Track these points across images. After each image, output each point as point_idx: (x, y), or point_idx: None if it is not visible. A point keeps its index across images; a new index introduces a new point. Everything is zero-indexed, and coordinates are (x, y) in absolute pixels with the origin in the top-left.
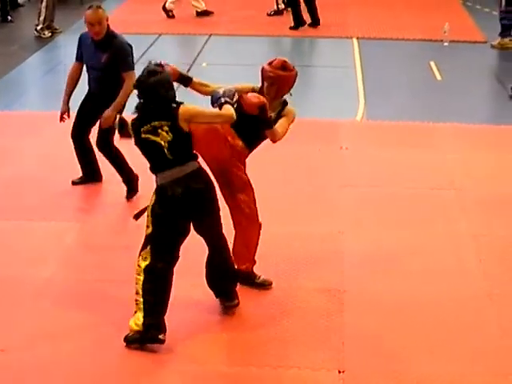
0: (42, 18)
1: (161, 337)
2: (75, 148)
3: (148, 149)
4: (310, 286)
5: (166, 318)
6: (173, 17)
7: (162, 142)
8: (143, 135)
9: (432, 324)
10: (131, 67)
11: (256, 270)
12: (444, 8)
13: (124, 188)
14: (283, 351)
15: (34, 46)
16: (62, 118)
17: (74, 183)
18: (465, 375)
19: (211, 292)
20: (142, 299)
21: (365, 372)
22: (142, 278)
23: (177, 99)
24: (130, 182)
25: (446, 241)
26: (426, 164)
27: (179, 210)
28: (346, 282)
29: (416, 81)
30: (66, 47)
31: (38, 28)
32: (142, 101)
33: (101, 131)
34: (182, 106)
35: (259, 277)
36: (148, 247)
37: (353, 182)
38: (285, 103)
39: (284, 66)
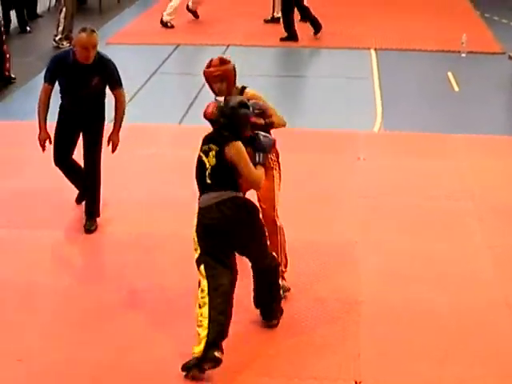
0: (60, 29)
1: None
2: (65, 172)
3: (198, 167)
4: (326, 295)
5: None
6: (172, 27)
7: (207, 165)
8: (200, 152)
9: (448, 333)
10: (121, 83)
11: None
12: (462, 19)
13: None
14: (299, 361)
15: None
16: (44, 146)
17: (78, 202)
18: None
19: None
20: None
21: (381, 382)
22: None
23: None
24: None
25: (462, 250)
26: (443, 174)
27: (216, 237)
28: (361, 291)
29: (434, 92)
30: None
31: (57, 38)
32: (218, 123)
33: (91, 151)
34: (234, 142)
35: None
36: (201, 267)
37: (370, 192)
38: (242, 88)
39: (222, 61)
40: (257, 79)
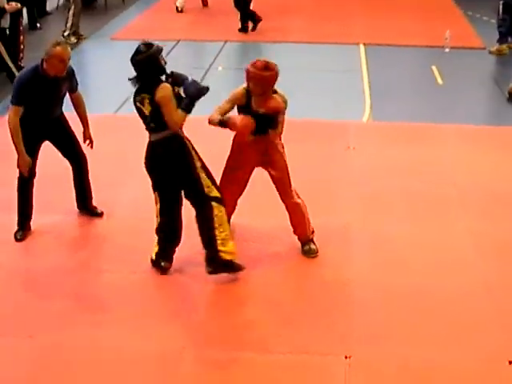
0: (69, 25)
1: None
2: (29, 190)
3: (140, 115)
4: (319, 274)
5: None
6: (181, 11)
7: (146, 112)
8: (137, 104)
9: (436, 313)
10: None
11: (267, 255)
12: (445, 17)
13: None
14: (292, 338)
15: None
16: (28, 171)
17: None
18: (466, 361)
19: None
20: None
21: (370, 357)
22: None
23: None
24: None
25: (446, 235)
26: (428, 162)
27: (154, 171)
28: (353, 271)
29: (419, 84)
30: (91, 52)
31: (65, 34)
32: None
33: (76, 145)
34: (161, 85)
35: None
36: (155, 193)
37: (360, 179)
38: (274, 92)
39: (266, 67)
40: None
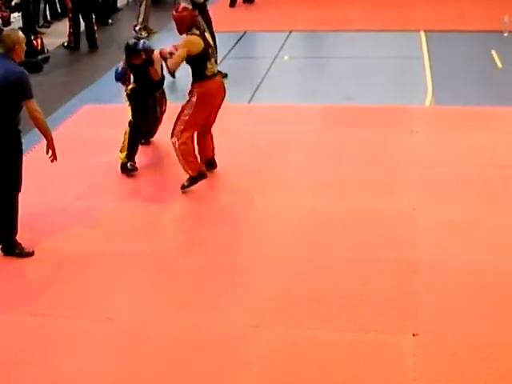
0: (140, 20)
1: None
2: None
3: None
4: (385, 256)
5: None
6: None
7: None
8: None
9: (503, 292)
10: None
11: (335, 239)
12: (504, 1)
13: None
14: (361, 316)
15: None
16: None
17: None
18: None
19: None
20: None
21: (437, 335)
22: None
23: None
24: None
25: (510, 215)
26: (490, 145)
27: None
28: (418, 253)
29: (479, 68)
30: (161, 46)
31: (137, 29)
32: None
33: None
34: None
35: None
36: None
37: (423, 162)
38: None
39: (176, 9)
40: (317, 61)
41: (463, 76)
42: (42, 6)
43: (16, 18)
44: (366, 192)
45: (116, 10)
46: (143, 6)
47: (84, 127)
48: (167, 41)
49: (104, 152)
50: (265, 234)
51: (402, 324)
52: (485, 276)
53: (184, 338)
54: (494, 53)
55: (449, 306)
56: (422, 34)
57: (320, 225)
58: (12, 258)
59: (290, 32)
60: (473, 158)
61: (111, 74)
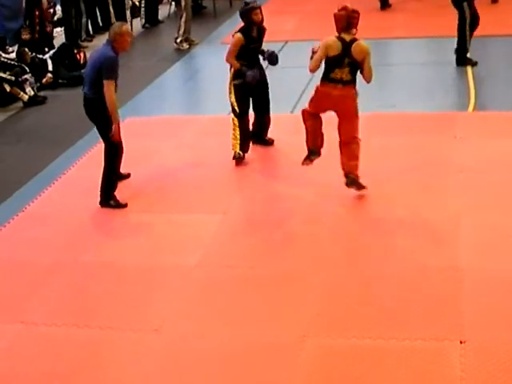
0: (181, 32)
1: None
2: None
3: None
4: (431, 264)
5: None
6: None
7: None
8: None
9: None
10: None
11: (380, 246)
12: None
13: None
14: (407, 324)
15: (174, 58)
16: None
17: None
18: None
19: None
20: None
21: (485, 342)
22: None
23: None
24: None
25: None
26: None
27: None
28: (464, 260)
29: None
30: (202, 57)
31: (178, 41)
32: None
33: None
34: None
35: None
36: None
37: (468, 168)
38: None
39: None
40: None
41: (505, 81)
42: (84, 20)
43: (59, 32)
44: (407, 199)
45: (157, 21)
46: (183, 19)
47: (130, 139)
48: (209, 52)
49: (149, 162)
50: (307, 244)
51: (448, 331)
52: None
53: (230, 349)
54: None
55: (496, 312)
56: None
57: (364, 231)
58: (59, 270)
59: None
60: None
61: (151, 87)
